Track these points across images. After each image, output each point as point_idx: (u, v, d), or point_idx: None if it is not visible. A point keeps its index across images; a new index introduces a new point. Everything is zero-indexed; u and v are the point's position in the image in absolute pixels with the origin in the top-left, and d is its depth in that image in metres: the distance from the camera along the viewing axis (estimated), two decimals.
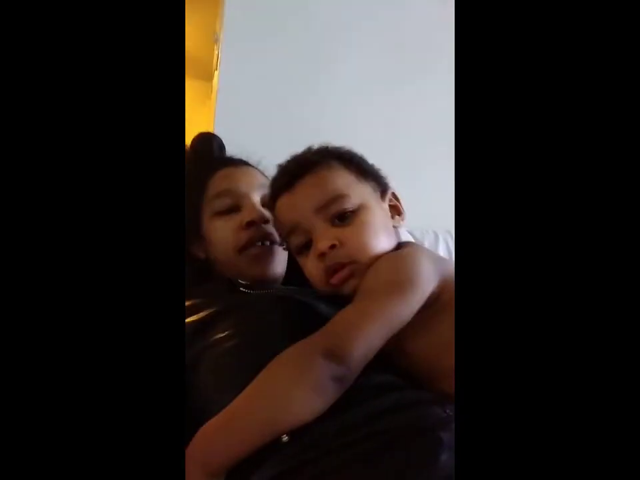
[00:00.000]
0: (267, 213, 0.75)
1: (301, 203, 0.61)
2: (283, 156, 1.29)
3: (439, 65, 1.50)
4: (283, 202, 0.63)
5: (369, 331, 0.50)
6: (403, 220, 0.68)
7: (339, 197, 0.60)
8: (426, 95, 1.55)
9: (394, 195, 0.69)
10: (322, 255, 0.59)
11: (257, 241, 0.75)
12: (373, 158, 1.46)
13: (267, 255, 0.76)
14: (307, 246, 0.61)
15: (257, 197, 0.78)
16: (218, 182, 0.79)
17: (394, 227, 0.65)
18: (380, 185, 0.66)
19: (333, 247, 0.58)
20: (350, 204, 0.60)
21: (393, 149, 1.53)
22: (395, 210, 0.68)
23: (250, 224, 0.74)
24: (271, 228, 0.74)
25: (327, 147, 0.67)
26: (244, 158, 0.88)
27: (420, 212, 1.49)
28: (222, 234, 0.76)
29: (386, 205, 0.66)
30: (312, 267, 0.61)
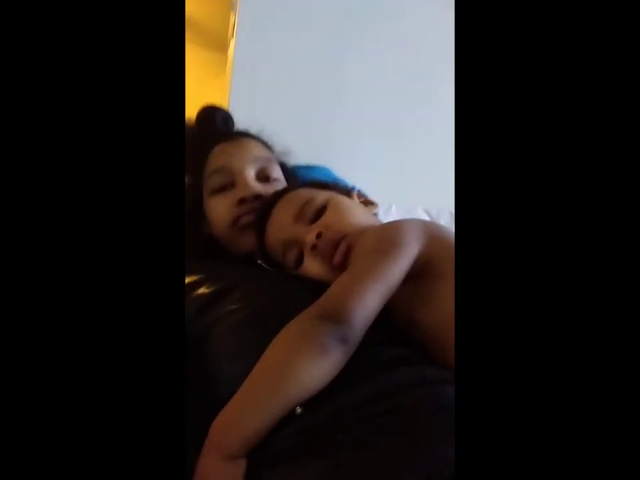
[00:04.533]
0: (260, 188, 0.77)
1: (281, 222, 0.69)
2: (300, 130, 1.28)
3: (443, 55, 1.45)
4: (268, 230, 0.71)
5: (362, 290, 0.51)
6: (376, 207, 0.75)
7: (308, 202, 0.68)
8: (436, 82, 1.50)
9: (359, 193, 0.76)
10: (314, 248, 0.63)
11: (244, 215, 0.76)
12: (393, 133, 1.45)
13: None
14: (300, 257, 0.67)
15: (251, 172, 0.78)
16: (214, 159, 0.80)
17: (368, 212, 0.72)
18: (342, 190, 0.74)
19: (319, 235, 0.63)
20: (319, 201, 0.68)
21: (412, 127, 1.50)
22: (366, 203, 0.74)
23: (242, 201, 0.76)
24: (258, 204, 0.75)
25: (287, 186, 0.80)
26: (245, 130, 0.87)
27: (437, 193, 1.48)
28: (217, 211, 0.79)
29: (353, 199, 0.73)
30: (312, 265, 0.64)
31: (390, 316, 0.56)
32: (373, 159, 1.45)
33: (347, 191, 0.74)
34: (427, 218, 1.37)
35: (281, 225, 0.68)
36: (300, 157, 1.07)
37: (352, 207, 0.69)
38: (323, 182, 0.78)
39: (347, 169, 1.29)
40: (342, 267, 0.59)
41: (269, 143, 0.87)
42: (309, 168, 1.17)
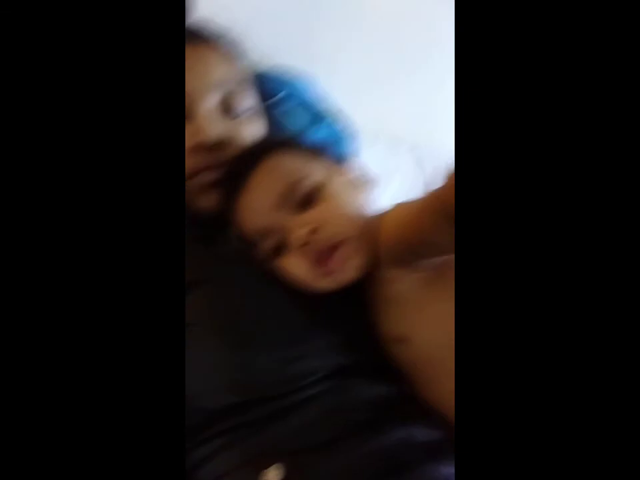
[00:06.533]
0: (223, 128, 0.60)
1: (259, 204, 0.56)
2: (278, 26, 1.06)
3: None
4: (241, 207, 0.57)
5: None
6: (373, 185, 0.63)
7: (296, 182, 0.55)
8: None
9: (352, 164, 0.65)
10: (305, 245, 0.52)
11: (203, 170, 0.61)
12: (386, 52, 1.24)
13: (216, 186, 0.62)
14: (280, 248, 0.55)
15: (211, 101, 0.60)
16: None
17: (366, 196, 0.62)
18: (336, 160, 0.63)
19: (314, 230, 0.52)
20: (311, 182, 0.56)
21: (411, 48, 1.28)
22: (360, 180, 0.63)
23: (198, 148, 0.59)
24: (224, 153, 0.60)
25: (265, 138, 0.65)
26: (207, 26, 0.65)
27: (428, 130, 1.31)
28: None
29: (349, 175, 0.62)
30: (295, 264, 0.54)
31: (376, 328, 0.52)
32: (360, 77, 1.24)
33: (339, 160, 0.63)
34: (408, 159, 1.22)
35: (260, 208, 0.56)
36: (275, 59, 0.89)
37: (349, 194, 0.58)
38: (314, 144, 0.64)
39: (329, 82, 1.09)
40: (333, 273, 0.53)
41: (240, 49, 0.66)
42: (283, 82, 0.97)
